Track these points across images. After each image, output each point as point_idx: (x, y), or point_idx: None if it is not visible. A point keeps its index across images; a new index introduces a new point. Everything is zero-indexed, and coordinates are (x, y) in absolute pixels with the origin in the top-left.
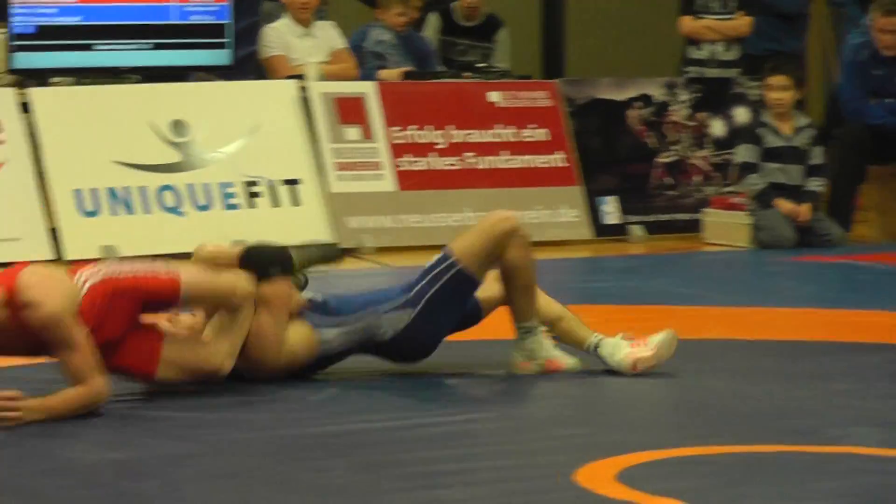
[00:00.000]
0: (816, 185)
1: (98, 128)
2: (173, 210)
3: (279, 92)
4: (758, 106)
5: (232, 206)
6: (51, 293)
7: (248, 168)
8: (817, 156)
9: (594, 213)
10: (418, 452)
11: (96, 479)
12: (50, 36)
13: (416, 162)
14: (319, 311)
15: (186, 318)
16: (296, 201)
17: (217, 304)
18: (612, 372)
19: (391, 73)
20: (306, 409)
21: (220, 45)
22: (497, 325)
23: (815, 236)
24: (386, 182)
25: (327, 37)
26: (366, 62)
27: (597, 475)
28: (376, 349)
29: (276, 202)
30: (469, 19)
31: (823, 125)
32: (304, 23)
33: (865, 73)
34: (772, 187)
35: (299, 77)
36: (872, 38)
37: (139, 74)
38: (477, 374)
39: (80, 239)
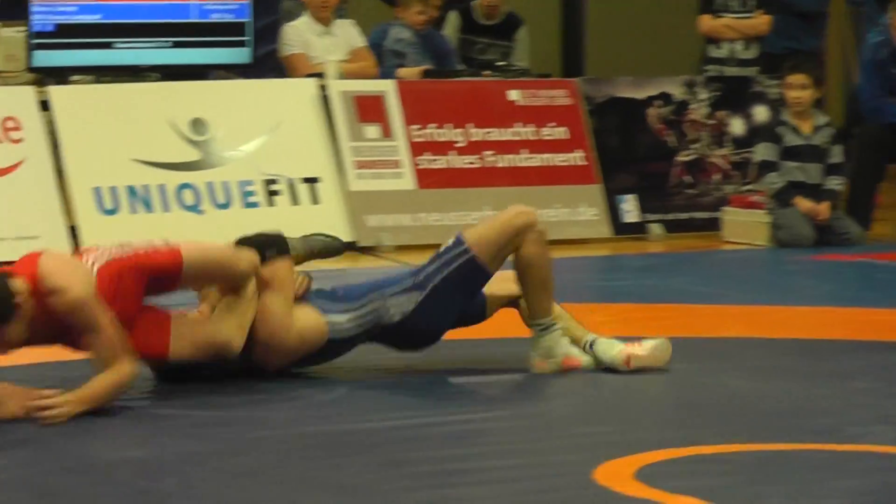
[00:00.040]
0: (835, 183)
1: (117, 126)
2: (192, 208)
3: (299, 90)
4: (777, 104)
5: (251, 205)
6: (73, 278)
7: (268, 166)
8: (836, 154)
9: (613, 211)
10: (434, 451)
11: (113, 477)
12: (69, 34)
13: (435, 160)
14: (327, 298)
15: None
16: (315, 199)
17: (220, 277)
18: (629, 370)
19: (410, 72)
20: (321, 407)
21: (240, 44)
22: (512, 323)
23: (833, 235)
24: (405, 180)
25: (347, 35)
26: (385, 60)
27: (615, 473)
28: (382, 335)
29: (295, 200)
30: (489, 18)
31: (843, 124)
32: (324, 21)
33: (884, 72)
34: (791, 186)
35: (319, 75)
36: (891, 36)
37: (159, 73)
38: (492, 372)
39: (100, 237)
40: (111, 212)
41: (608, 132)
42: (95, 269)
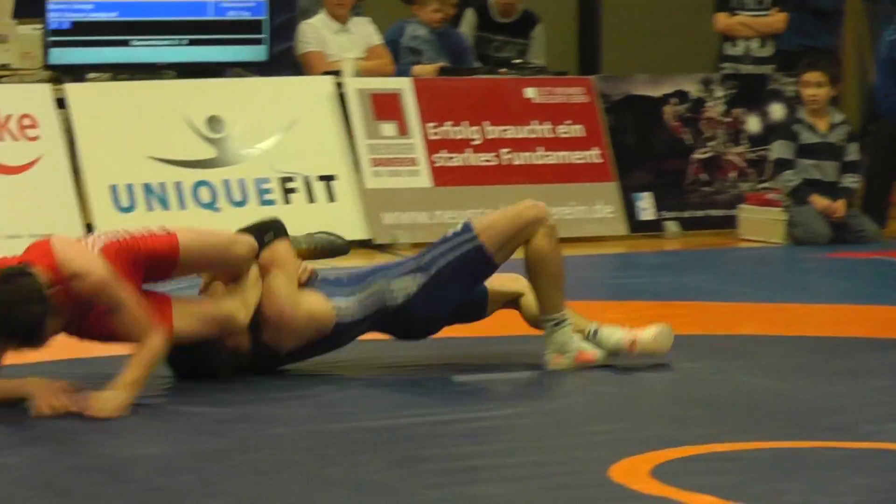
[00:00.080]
0: (851, 181)
1: (134, 123)
2: (209, 206)
3: (315, 88)
4: (793, 102)
5: (267, 202)
6: (91, 260)
7: (284, 164)
8: (852, 152)
9: (629, 209)
10: (452, 448)
11: (129, 474)
12: (86, 32)
13: (451, 158)
14: (331, 285)
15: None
16: (331, 197)
17: (218, 261)
18: (645, 368)
19: (425, 69)
20: (337, 405)
21: (257, 41)
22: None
23: (849, 232)
24: (421, 178)
25: (363, 33)
26: (401, 58)
27: (631, 471)
28: (385, 319)
29: (311, 198)
30: (505, 15)
31: (859, 122)
32: (341, 19)
33: None
34: (807, 184)
35: (335, 73)
36: None
37: (175, 70)
38: (506, 369)
39: None
40: (127, 209)
41: (624, 130)
42: (96, 251)
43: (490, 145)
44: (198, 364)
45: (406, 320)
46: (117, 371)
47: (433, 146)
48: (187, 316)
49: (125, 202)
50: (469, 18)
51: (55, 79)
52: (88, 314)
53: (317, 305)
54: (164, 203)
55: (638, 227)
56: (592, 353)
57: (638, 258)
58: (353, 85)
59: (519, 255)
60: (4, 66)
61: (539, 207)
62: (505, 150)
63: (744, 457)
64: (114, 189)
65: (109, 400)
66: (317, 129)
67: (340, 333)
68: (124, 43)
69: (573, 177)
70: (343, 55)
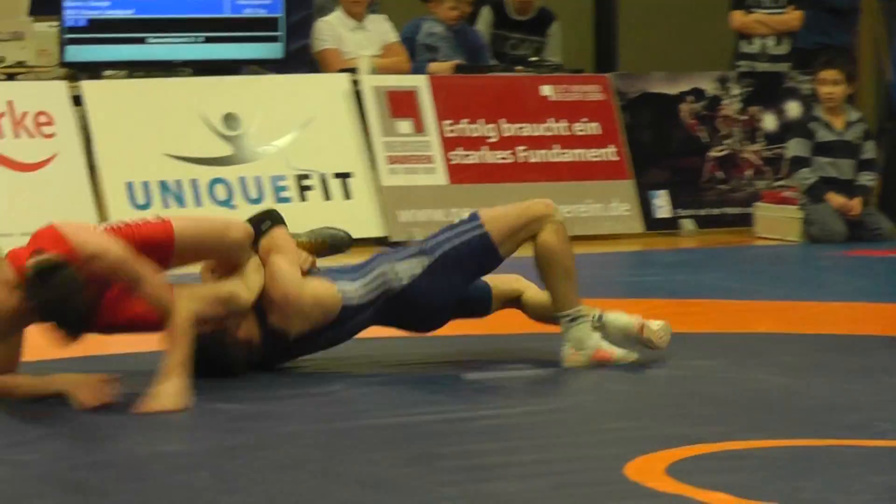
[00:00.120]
0: (867, 179)
1: (150, 121)
2: (225, 203)
3: (331, 85)
4: (809, 100)
5: (283, 200)
6: (105, 239)
7: (300, 161)
8: (868, 150)
9: (645, 206)
10: (467, 445)
11: (145, 471)
12: (102, 29)
13: (467, 156)
14: (335, 272)
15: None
16: (347, 195)
17: (214, 246)
18: (659, 366)
19: (441, 67)
20: (353, 402)
21: (273, 39)
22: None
23: (865, 230)
24: (437, 176)
25: (379, 30)
26: (417, 55)
27: (646, 469)
28: (392, 306)
29: (327, 195)
30: (521, 13)
31: (875, 120)
32: (357, 16)
33: None
34: (823, 181)
35: (351, 70)
36: None
37: (191, 68)
38: (522, 367)
39: None
40: (143, 206)
41: (640, 127)
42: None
43: (506, 143)
44: (212, 361)
45: (411, 306)
46: (131, 367)
47: (449, 144)
48: (192, 304)
49: (141, 199)
50: (485, 16)
51: (71, 76)
52: (102, 298)
53: (321, 289)
54: (180, 200)
55: (654, 224)
56: (611, 351)
57: (654, 256)
58: (369, 82)
59: (527, 252)
60: (21, 64)
61: (547, 204)
62: (521, 148)
63: (759, 455)
64: (130, 186)
65: (167, 392)
66: (333, 126)
67: (347, 318)
68: (140, 40)
69: (589, 174)
70: (359, 52)
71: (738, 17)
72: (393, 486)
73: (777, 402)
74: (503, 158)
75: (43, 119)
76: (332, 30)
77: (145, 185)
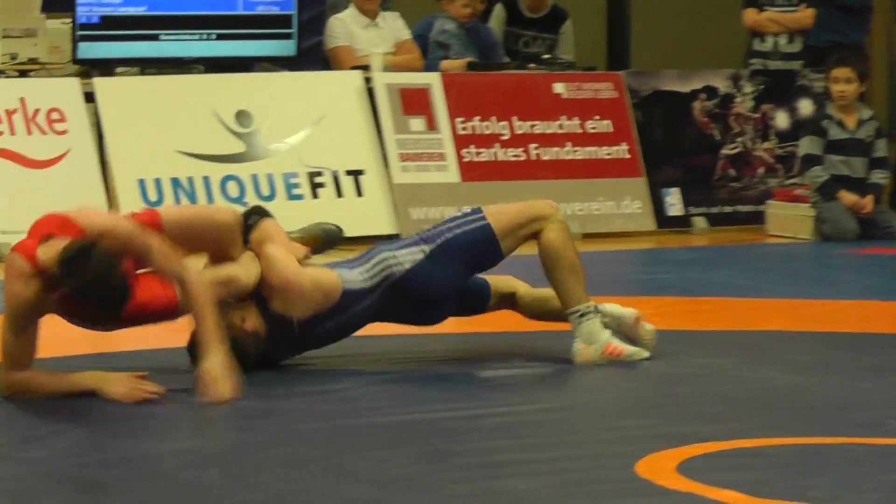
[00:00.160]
0: (879, 177)
1: (162, 118)
2: (237, 200)
3: (344, 82)
4: (821, 98)
5: (295, 197)
6: (110, 215)
7: (312, 159)
8: (880, 148)
9: (657, 204)
10: (478, 442)
11: (156, 469)
12: (114, 26)
13: (479, 153)
14: (333, 263)
15: None
16: (359, 192)
17: (203, 231)
18: (670, 364)
19: (453, 64)
20: (364, 399)
21: (286, 36)
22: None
23: (877, 228)
24: (450, 173)
25: (392, 27)
26: (430, 53)
27: (657, 466)
28: (394, 295)
29: (339, 193)
30: (534, 11)
31: (888, 118)
32: (370, 13)
33: None
34: (835, 180)
35: (364, 68)
36: None
37: (204, 65)
38: (534, 364)
39: None
40: (155, 203)
41: (653, 125)
42: None
43: (518, 140)
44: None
45: (413, 292)
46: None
47: (461, 141)
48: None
49: (153, 196)
50: (498, 13)
51: (84, 73)
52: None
53: (319, 273)
54: (192, 197)
55: (666, 222)
56: (622, 347)
57: (666, 254)
58: (381, 80)
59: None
60: (33, 61)
61: (550, 204)
62: (533, 146)
63: (770, 453)
64: (142, 183)
65: (213, 367)
66: (345, 123)
67: (350, 303)
68: (153, 37)
69: (601, 172)
70: (372, 50)
71: (751, 15)
72: (405, 483)
73: (788, 399)
74: (515, 156)
75: (55, 116)
76: (344, 27)
77: (157, 182)
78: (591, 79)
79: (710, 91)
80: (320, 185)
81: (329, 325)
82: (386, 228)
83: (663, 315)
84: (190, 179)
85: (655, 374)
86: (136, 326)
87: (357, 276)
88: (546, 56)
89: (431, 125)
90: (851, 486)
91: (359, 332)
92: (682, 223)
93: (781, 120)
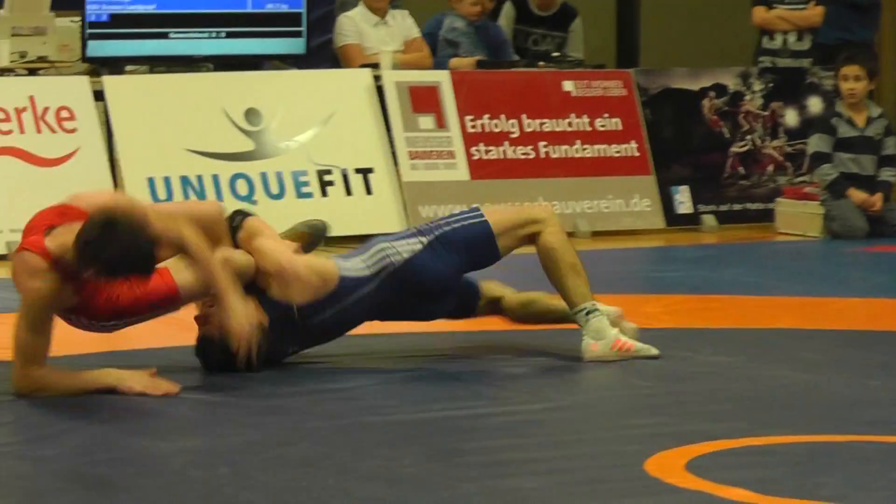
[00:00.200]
0: (889, 175)
1: (171, 116)
2: (246, 199)
3: (353, 80)
4: (831, 96)
5: (305, 195)
6: (106, 194)
7: (322, 157)
8: (890, 146)
9: (667, 202)
10: (487, 441)
11: (165, 467)
12: (123, 24)
13: (489, 151)
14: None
15: None
16: (369, 190)
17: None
18: (679, 362)
19: (463, 62)
20: (372, 398)
21: (295, 34)
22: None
23: (886, 226)
24: (459, 171)
25: (402, 26)
26: (439, 51)
27: (666, 464)
28: (393, 285)
29: (348, 191)
30: (544, 9)
31: None
32: (379, 12)
33: None
34: (844, 177)
35: (373, 66)
36: None
37: (213, 63)
38: (543, 363)
39: None
40: (164, 202)
41: (662, 123)
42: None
43: (528, 138)
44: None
45: (412, 282)
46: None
47: (471, 139)
48: (185, 272)
49: (162, 195)
50: (507, 11)
51: (93, 71)
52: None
53: (315, 259)
54: (202, 195)
55: (675, 220)
56: (631, 343)
57: (675, 252)
58: (391, 78)
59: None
60: (43, 59)
61: (546, 208)
62: (543, 144)
63: (779, 451)
64: (151, 182)
65: (237, 307)
66: (354, 121)
67: (349, 290)
68: (162, 35)
69: (611, 170)
70: (381, 48)
71: (760, 13)
72: (412, 482)
73: (797, 397)
74: (525, 154)
75: (64, 114)
76: (354, 25)
77: (166, 180)
78: (600, 77)
79: (720, 89)
80: (329, 183)
81: (329, 313)
82: (395, 226)
83: (672, 313)
84: (199, 178)
85: (664, 373)
86: (140, 321)
87: (355, 265)
88: (555, 54)
89: (441, 123)
90: (861, 484)
91: (363, 331)
92: (692, 221)
93: (791, 118)
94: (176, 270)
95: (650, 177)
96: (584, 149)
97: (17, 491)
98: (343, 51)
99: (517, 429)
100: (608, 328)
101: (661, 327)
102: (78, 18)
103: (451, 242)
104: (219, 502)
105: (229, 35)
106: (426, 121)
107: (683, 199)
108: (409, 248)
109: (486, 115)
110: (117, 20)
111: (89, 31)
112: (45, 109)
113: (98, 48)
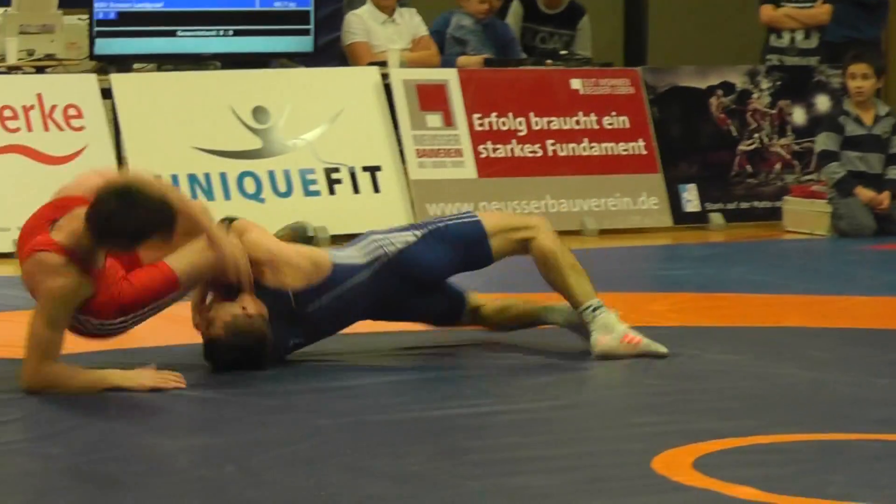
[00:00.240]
0: None
1: (179, 114)
2: (254, 197)
3: (361, 79)
4: (838, 94)
5: (312, 193)
6: (96, 176)
7: (329, 155)
8: None
9: (674, 200)
10: (495, 439)
11: (172, 465)
12: (131, 22)
13: (496, 149)
14: None
15: None
16: (376, 188)
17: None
18: (686, 360)
19: (470, 60)
20: (381, 396)
21: (303, 32)
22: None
23: (894, 224)
24: (467, 169)
25: (410, 24)
26: (447, 49)
27: (674, 462)
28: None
29: (356, 189)
30: (551, 7)
31: None
32: (387, 9)
33: None
34: (852, 175)
35: (381, 64)
36: None
37: (220, 61)
38: (550, 361)
39: None
40: None
41: (670, 121)
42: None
43: (535, 136)
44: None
45: (405, 274)
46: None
47: (478, 137)
48: (182, 257)
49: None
50: (515, 9)
51: (101, 69)
52: None
53: (305, 247)
54: (209, 194)
55: (682, 218)
56: (640, 337)
57: (682, 250)
58: (398, 76)
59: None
60: (50, 57)
61: (539, 217)
62: (550, 142)
63: (786, 449)
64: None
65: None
66: (362, 119)
67: (343, 276)
68: (170, 33)
69: (618, 168)
70: (389, 46)
71: (768, 11)
72: (421, 480)
73: (805, 396)
74: (532, 152)
75: (72, 112)
76: (362, 23)
77: (174, 178)
78: (608, 75)
79: (727, 87)
80: (337, 181)
81: (325, 300)
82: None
83: (679, 311)
84: (207, 176)
85: (671, 371)
86: (144, 316)
87: (349, 254)
88: (563, 52)
89: (448, 121)
90: (868, 482)
91: (368, 328)
92: (699, 219)
93: (798, 116)
94: (170, 258)
95: (657, 175)
96: (592, 147)
97: (25, 488)
98: (351, 49)
99: (524, 427)
100: (617, 323)
101: (668, 325)
102: (86, 16)
103: (443, 237)
104: (225, 500)
105: (237, 33)
106: (434, 119)
107: (691, 198)
108: (402, 239)
109: (494, 113)
110: (125, 18)
111: (97, 28)
112: (53, 107)
113: (106, 46)
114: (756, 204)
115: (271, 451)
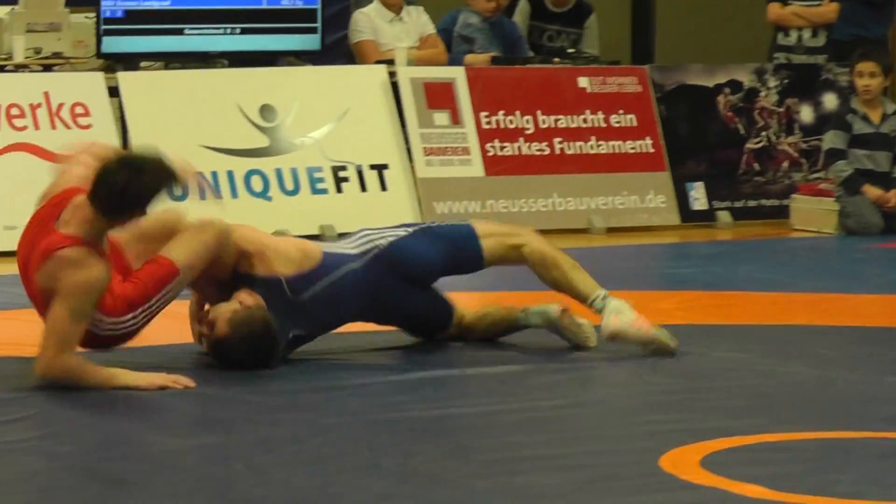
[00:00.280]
0: None
1: (186, 112)
2: (261, 195)
3: (368, 77)
4: (846, 92)
5: (319, 191)
6: (79, 166)
7: (336, 153)
8: None
9: (682, 198)
10: (503, 438)
11: (179, 464)
12: (138, 20)
13: (504, 147)
14: None
15: None
16: (383, 186)
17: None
18: (694, 358)
19: (477, 58)
20: (388, 395)
21: (310, 30)
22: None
23: None
24: (474, 167)
25: (417, 22)
26: (454, 47)
27: (681, 461)
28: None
29: (363, 187)
30: (559, 5)
31: None
32: (394, 8)
33: None
34: (859, 174)
35: (388, 62)
36: None
37: (228, 59)
38: (559, 360)
39: None
40: (179, 199)
41: (677, 119)
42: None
43: (543, 135)
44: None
45: (397, 266)
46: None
47: (486, 135)
48: (180, 246)
49: (177, 190)
50: (522, 7)
51: (108, 67)
52: None
53: (294, 238)
54: (217, 192)
55: (690, 216)
56: (650, 324)
57: (690, 248)
58: (406, 74)
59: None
60: (57, 55)
61: (533, 228)
62: (558, 140)
63: (794, 447)
64: None
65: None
66: (369, 117)
67: (335, 263)
68: (177, 31)
69: (626, 166)
70: (396, 44)
71: (775, 9)
72: (427, 478)
73: (812, 394)
74: (540, 150)
75: (79, 110)
76: (369, 21)
77: None
78: (615, 73)
79: (735, 85)
80: (344, 179)
81: (320, 286)
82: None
83: (687, 309)
84: (214, 174)
85: (678, 369)
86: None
87: (341, 246)
88: (570, 50)
89: (456, 119)
90: (876, 480)
91: (374, 327)
92: (707, 217)
93: (806, 114)
94: (164, 250)
95: (665, 173)
96: (599, 145)
97: (33, 487)
98: (358, 47)
99: (531, 426)
100: (629, 309)
101: (675, 323)
102: (93, 14)
103: (434, 234)
104: (233, 499)
105: (244, 31)
106: (441, 117)
107: (698, 196)
108: (393, 234)
109: (501, 112)
110: (132, 16)
111: (104, 27)
112: (60, 105)
113: (113, 44)
114: (764, 202)
115: (278, 450)
